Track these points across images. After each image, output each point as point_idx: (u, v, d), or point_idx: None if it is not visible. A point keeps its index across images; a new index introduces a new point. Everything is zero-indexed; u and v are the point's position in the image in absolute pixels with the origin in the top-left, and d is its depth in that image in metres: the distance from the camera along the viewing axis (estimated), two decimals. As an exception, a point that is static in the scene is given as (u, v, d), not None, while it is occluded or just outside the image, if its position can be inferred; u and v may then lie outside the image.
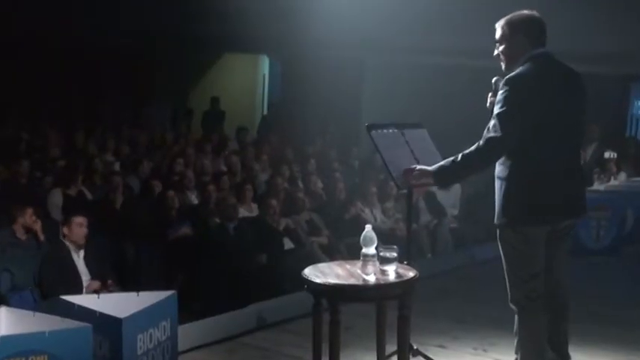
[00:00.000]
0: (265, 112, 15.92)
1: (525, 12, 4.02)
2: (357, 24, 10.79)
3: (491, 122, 3.88)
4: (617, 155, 9.88)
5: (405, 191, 4.76)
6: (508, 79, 3.87)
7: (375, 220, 8.34)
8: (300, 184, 9.19)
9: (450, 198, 9.60)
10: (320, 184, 9.32)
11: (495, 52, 4.07)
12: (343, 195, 8.94)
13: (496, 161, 3.94)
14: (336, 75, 13.01)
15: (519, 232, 3.92)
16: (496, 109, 3.86)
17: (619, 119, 13.43)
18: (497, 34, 4.04)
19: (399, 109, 10.16)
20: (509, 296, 4.04)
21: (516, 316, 4.04)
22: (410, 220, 4.89)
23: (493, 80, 4.07)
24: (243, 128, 12.34)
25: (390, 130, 4.61)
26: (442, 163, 4.10)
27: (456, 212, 9.53)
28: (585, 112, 4.07)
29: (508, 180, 3.93)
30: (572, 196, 4.00)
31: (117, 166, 9.24)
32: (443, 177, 4.13)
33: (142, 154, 10.10)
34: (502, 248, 4.02)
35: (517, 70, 3.94)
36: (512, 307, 4.03)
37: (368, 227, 3.98)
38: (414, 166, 4.28)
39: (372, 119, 5.11)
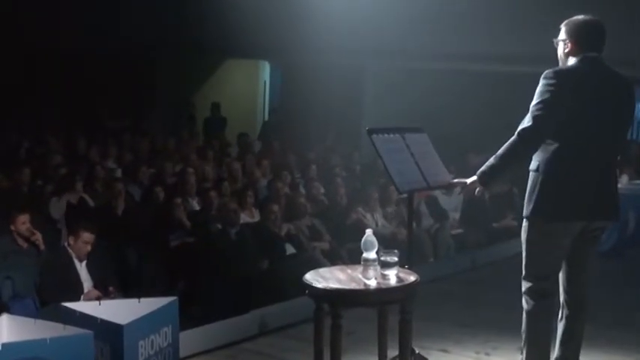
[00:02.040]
0: (266, 118, 15.93)
1: (582, 17, 4.03)
2: (357, 30, 10.82)
3: (528, 114, 3.89)
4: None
5: (405, 195, 4.77)
6: (547, 72, 3.89)
7: (377, 224, 8.33)
8: (302, 190, 9.19)
9: (452, 202, 9.59)
10: (321, 190, 9.31)
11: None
12: (344, 200, 8.94)
13: (533, 151, 3.92)
14: (337, 80, 13.03)
15: (543, 228, 3.93)
16: (533, 101, 3.88)
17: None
18: (559, 35, 4.08)
19: (400, 114, 10.17)
20: (522, 289, 4.06)
21: (524, 314, 4.05)
22: (411, 224, 4.89)
23: None
24: (245, 134, 12.35)
25: (391, 135, 4.62)
26: (486, 163, 4.07)
27: (457, 216, 9.51)
28: (627, 122, 4.10)
29: (538, 173, 3.93)
30: (602, 199, 4.00)
31: (119, 173, 9.23)
32: (485, 177, 4.07)
33: (144, 161, 10.09)
34: (523, 241, 4.03)
35: (560, 67, 3.99)
36: (524, 301, 4.04)
37: (368, 232, 3.98)
38: (458, 179, 4.36)
39: (373, 124, 5.11)
